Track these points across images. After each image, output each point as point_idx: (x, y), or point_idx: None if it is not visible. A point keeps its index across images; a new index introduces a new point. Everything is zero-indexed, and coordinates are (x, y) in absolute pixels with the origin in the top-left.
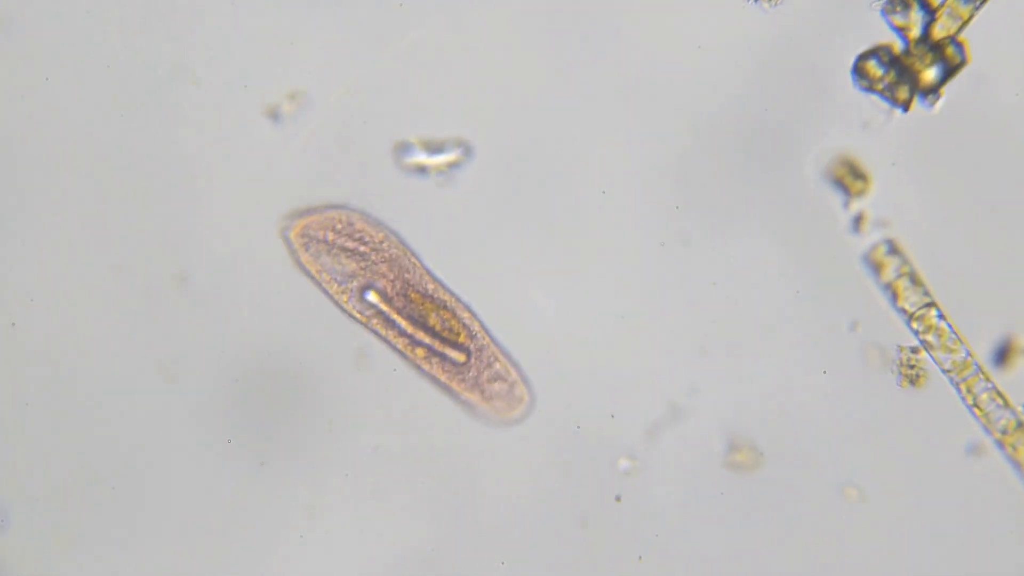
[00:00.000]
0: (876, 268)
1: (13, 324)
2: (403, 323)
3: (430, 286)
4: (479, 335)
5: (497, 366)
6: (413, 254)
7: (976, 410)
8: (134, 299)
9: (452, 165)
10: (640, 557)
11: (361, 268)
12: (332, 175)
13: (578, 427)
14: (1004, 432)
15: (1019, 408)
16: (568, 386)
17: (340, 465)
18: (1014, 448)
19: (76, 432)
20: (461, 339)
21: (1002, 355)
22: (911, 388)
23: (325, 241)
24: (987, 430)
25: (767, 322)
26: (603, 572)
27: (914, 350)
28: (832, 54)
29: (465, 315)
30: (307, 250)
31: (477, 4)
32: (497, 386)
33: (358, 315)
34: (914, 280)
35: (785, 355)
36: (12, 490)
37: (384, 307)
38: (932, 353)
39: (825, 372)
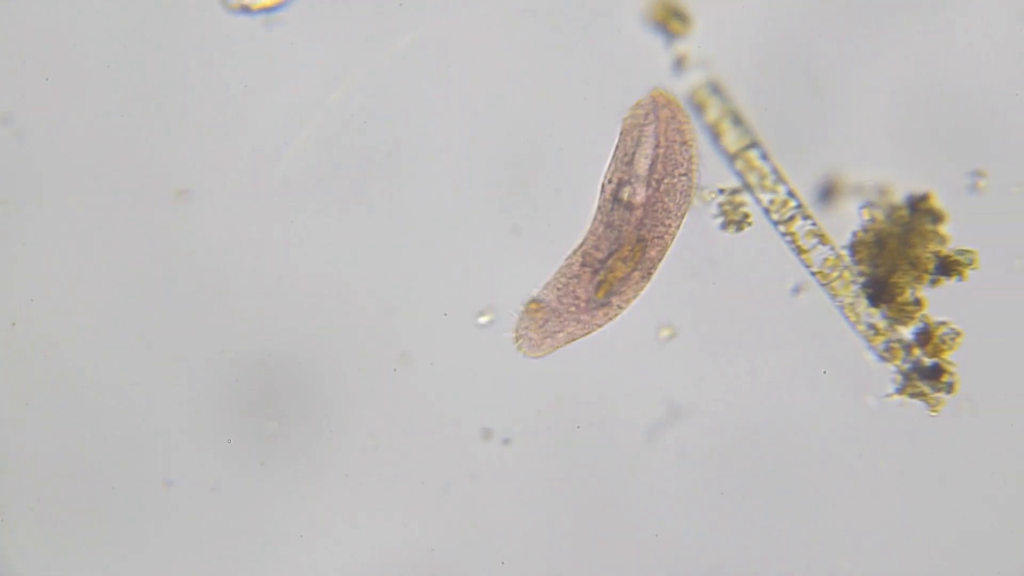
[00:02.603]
0: (698, 108)
1: (13, 324)
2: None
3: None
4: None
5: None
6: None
7: (799, 249)
8: (134, 299)
9: (276, 6)
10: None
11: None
12: (332, 174)
13: (578, 427)
14: (825, 270)
15: (838, 246)
16: (568, 385)
17: (340, 465)
18: (833, 286)
19: (76, 432)
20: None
21: (826, 194)
22: (736, 232)
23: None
24: (808, 268)
25: (766, 321)
26: (602, 572)
27: (734, 191)
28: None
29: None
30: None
31: (477, 4)
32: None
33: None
34: (737, 120)
35: (784, 354)
36: (12, 490)
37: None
38: (754, 193)
39: (825, 372)
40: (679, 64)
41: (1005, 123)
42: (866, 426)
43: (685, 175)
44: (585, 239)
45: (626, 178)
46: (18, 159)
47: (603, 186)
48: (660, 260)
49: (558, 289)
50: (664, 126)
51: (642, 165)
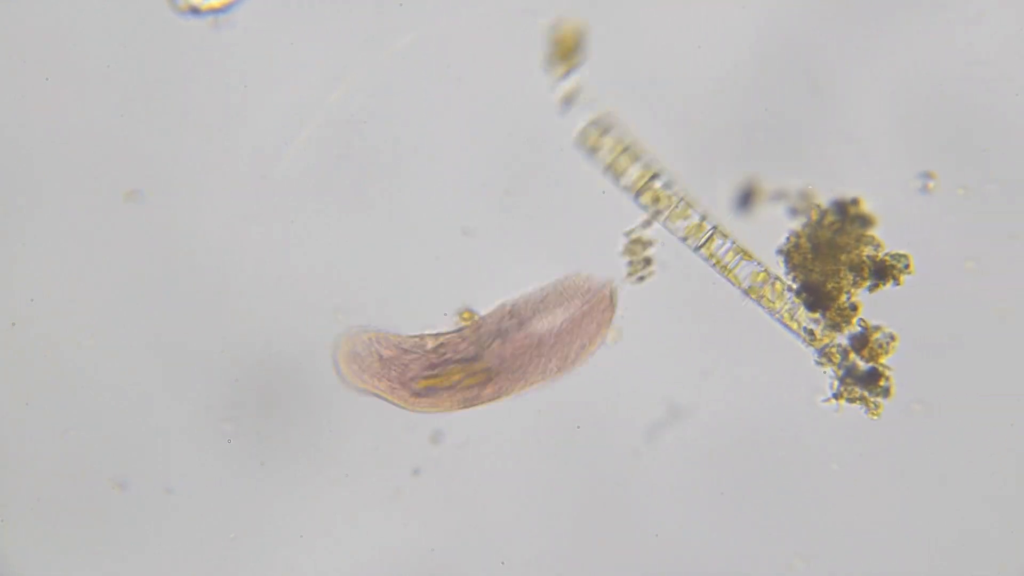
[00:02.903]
0: (592, 151)
1: (13, 324)
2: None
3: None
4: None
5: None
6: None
7: (724, 270)
8: (134, 299)
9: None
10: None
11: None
12: (331, 175)
13: (578, 427)
14: (753, 286)
15: (763, 260)
16: (567, 385)
17: (340, 465)
18: (765, 298)
19: (76, 432)
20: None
21: (745, 201)
22: (638, 282)
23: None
24: (738, 286)
25: (764, 320)
26: (602, 572)
27: (645, 225)
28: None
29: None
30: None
31: (477, 4)
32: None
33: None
34: (634, 154)
35: (783, 354)
36: (12, 490)
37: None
38: (666, 224)
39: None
40: (567, 102)
41: (1005, 123)
42: (865, 426)
43: (558, 367)
44: (456, 332)
45: (522, 318)
46: (18, 159)
47: (505, 303)
48: (488, 401)
49: (401, 350)
50: (585, 316)
51: (537, 324)
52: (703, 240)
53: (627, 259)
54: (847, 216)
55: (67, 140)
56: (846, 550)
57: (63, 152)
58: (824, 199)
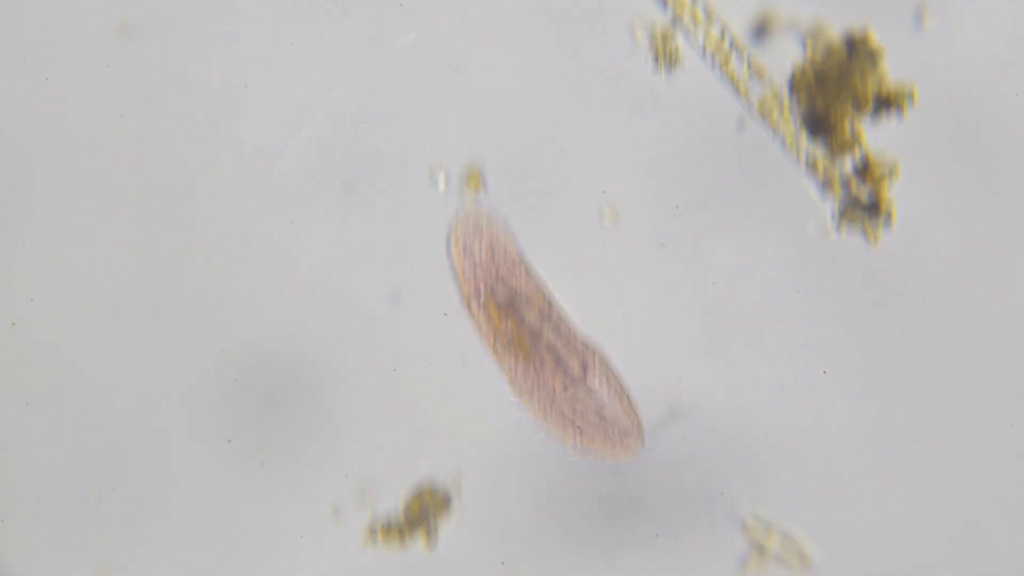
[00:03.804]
0: None
1: (13, 324)
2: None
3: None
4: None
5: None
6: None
7: (735, 84)
8: (134, 299)
9: None
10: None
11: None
12: (332, 174)
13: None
14: (763, 105)
15: (776, 82)
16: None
17: (340, 465)
18: (771, 119)
19: (76, 432)
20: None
21: (760, 31)
22: (668, 70)
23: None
24: (746, 103)
25: (766, 320)
26: (602, 572)
27: (665, 30)
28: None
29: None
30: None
31: (479, 4)
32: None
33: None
34: None
35: (784, 353)
36: (12, 490)
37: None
38: (688, 33)
39: (825, 372)
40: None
41: (1005, 123)
42: (866, 426)
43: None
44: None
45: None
46: (18, 159)
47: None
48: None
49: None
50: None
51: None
52: (721, 55)
53: (652, 53)
54: (854, 47)
55: (67, 140)
56: (846, 550)
57: (63, 152)
58: (833, 31)
